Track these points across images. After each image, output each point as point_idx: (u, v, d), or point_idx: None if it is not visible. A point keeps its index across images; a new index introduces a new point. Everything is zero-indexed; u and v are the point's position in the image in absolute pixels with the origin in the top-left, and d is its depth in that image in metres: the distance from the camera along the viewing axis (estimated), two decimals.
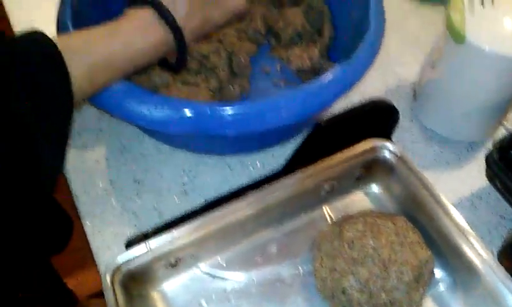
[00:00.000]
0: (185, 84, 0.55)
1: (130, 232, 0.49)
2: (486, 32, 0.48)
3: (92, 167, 0.53)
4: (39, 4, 0.68)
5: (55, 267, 0.84)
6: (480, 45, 0.48)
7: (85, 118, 0.57)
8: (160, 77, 0.54)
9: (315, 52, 0.59)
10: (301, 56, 0.60)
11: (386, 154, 0.48)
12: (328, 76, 0.45)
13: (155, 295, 0.44)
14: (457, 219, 0.45)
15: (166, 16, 0.41)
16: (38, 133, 0.34)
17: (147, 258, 0.42)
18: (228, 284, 0.45)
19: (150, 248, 0.42)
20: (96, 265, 0.49)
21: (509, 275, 0.41)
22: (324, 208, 0.49)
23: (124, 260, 0.41)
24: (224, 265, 0.46)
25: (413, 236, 0.45)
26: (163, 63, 0.46)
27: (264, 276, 0.45)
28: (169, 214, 0.50)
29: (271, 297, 0.44)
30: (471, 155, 0.56)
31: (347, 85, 0.46)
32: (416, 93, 0.59)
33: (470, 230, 0.44)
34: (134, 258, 0.41)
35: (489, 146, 0.56)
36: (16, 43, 0.36)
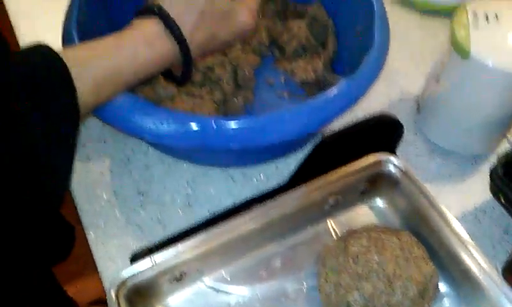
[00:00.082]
0: (190, 96, 0.55)
1: (133, 244, 0.49)
2: (490, 47, 0.48)
3: (96, 179, 0.53)
4: (45, 14, 0.68)
5: (55, 274, 0.83)
6: (485, 60, 0.48)
7: (89, 129, 0.57)
8: (165, 89, 0.54)
9: (319, 64, 0.60)
10: (305, 68, 0.60)
11: (391, 168, 0.48)
12: (332, 91, 0.46)
13: None
14: (460, 234, 0.45)
15: (172, 28, 0.41)
16: (43, 149, 0.34)
17: (152, 273, 0.42)
18: (232, 299, 0.45)
19: (155, 262, 0.42)
20: (97, 273, 0.49)
21: None
22: (328, 221, 0.49)
23: (129, 275, 0.41)
24: (229, 279, 0.46)
25: (418, 251, 0.45)
26: (168, 75, 0.46)
27: (268, 291, 0.45)
28: (173, 226, 0.50)
29: None
30: (475, 169, 0.57)
31: (351, 100, 0.46)
32: (420, 106, 0.59)
33: (474, 244, 0.44)
34: (139, 273, 0.41)
35: (493, 159, 0.56)
36: (22, 56, 0.36)
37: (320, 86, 0.59)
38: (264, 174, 0.54)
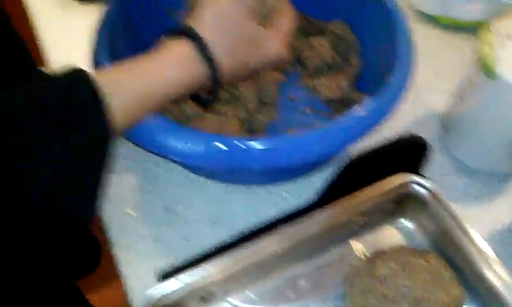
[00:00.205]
0: (215, 114, 0.55)
1: (160, 261, 0.49)
2: None
3: (123, 195, 0.54)
4: (73, 33, 0.70)
5: (77, 283, 0.85)
6: (511, 80, 0.47)
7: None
8: (191, 107, 0.54)
9: (343, 81, 0.60)
10: (329, 86, 0.60)
11: (418, 189, 0.48)
12: (358, 110, 0.45)
13: None
14: (487, 254, 0.44)
15: (204, 52, 0.40)
16: (73, 171, 0.34)
17: (179, 293, 0.42)
18: None
19: (183, 282, 0.42)
20: (119, 282, 0.49)
21: None
22: (354, 242, 0.49)
23: (157, 295, 0.41)
24: (255, 299, 0.46)
25: (446, 273, 0.45)
26: (194, 96, 0.46)
27: None
28: (199, 244, 0.50)
29: None
30: (502, 188, 0.56)
31: (377, 120, 0.46)
32: (446, 124, 0.58)
33: (501, 265, 0.44)
34: (166, 293, 0.42)
35: None
36: (58, 80, 0.36)
37: (344, 103, 0.59)
38: (288, 192, 0.54)
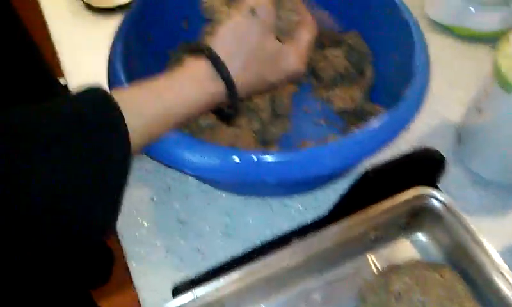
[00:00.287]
0: (230, 126, 0.56)
1: (174, 274, 0.49)
2: None
3: (137, 207, 0.54)
4: (87, 43, 0.71)
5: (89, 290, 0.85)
6: None
7: None
8: (205, 119, 0.55)
9: (357, 93, 0.60)
10: (343, 97, 0.60)
11: (434, 203, 0.47)
12: (374, 124, 0.45)
13: None
14: (502, 267, 0.44)
15: (221, 70, 0.41)
16: (92, 190, 0.35)
17: (194, 306, 0.42)
18: None
19: (197, 296, 0.42)
20: (131, 290, 0.50)
21: None
22: (369, 256, 0.49)
23: None
24: None
25: (460, 288, 0.44)
26: (218, 112, 0.46)
27: None
28: (213, 256, 0.50)
29: None
30: None
31: (394, 134, 0.46)
32: (461, 135, 0.58)
33: None
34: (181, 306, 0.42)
35: None
36: (77, 100, 0.37)
37: (358, 114, 0.59)
38: (302, 205, 0.54)
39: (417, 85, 0.49)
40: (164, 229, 0.53)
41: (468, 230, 0.46)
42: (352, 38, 0.62)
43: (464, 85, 0.66)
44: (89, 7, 0.74)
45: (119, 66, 0.49)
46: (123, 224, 0.53)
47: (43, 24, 0.74)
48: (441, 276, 0.44)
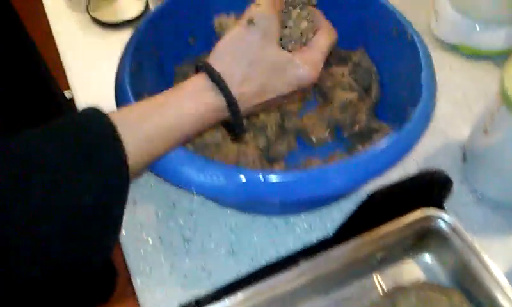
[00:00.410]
0: (235, 142, 0.56)
1: (178, 292, 0.49)
2: None
3: (142, 223, 0.54)
4: (94, 58, 0.71)
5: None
6: None
7: None
8: (211, 135, 0.55)
9: (363, 110, 0.60)
10: (349, 121, 0.60)
11: (440, 224, 0.47)
12: (381, 145, 0.45)
13: None
14: (510, 292, 0.44)
15: (217, 82, 0.40)
16: (92, 213, 0.34)
17: None
18: None
19: None
20: (134, 300, 0.50)
21: None
22: (374, 276, 0.48)
23: None
24: None
25: None
26: (229, 127, 0.46)
27: None
28: (218, 275, 0.50)
29: None
30: None
31: (400, 155, 0.46)
32: (467, 155, 0.58)
33: None
34: None
35: None
36: (72, 121, 0.36)
37: (364, 132, 0.59)
38: (307, 223, 0.54)
39: (424, 105, 0.49)
40: (168, 245, 0.53)
41: (474, 252, 0.46)
42: (359, 55, 0.62)
43: (469, 103, 0.66)
44: (96, 21, 0.75)
45: (127, 83, 0.49)
46: (128, 241, 0.53)
47: (49, 37, 0.75)
48: (448, 298, 0.44)
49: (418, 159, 0.59)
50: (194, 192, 0.43)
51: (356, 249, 0.46)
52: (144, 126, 0.38)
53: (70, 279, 0.37)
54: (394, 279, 0.48)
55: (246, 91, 0.42)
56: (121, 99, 0.49)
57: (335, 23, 0.50)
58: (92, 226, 0.35)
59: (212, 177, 0.43)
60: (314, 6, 0.48)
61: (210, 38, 0.51)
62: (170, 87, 0.43)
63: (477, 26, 0.68)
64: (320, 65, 0.45)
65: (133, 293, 0.51)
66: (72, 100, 0.68)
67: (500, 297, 0.44)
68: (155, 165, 0.44)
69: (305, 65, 0.43)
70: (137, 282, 0.50)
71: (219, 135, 0.56)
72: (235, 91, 0.41)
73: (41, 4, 0.80)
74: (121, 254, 0.54)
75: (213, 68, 0.41)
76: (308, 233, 0.53)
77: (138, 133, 0.38)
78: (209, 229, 0.54)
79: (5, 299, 0.33)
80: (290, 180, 0.43)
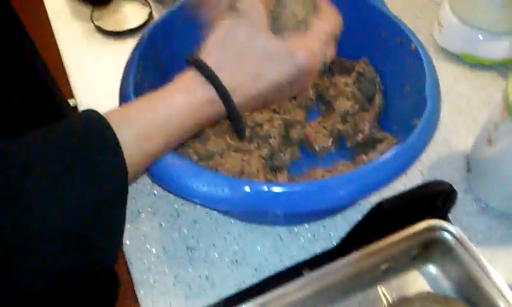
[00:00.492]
0: (239, 152, 0.56)
1: (182, 302, 0.49)
2: None
3: (146, 233, 0.54)
4: (98, 67, 0.71)
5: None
6: None
7: (139, 183, 0.58)
8: (215, 144, 0.55)
9: (367, 120, 0.60)
10: (353, 124, 0.60)
11: (445, 235, 0.47)
12: (386, 156, 0.45)
13: None
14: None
15: (206, 73, 0.40)
16: (92, 215, 0.35)
17: None
18: None
19: None
20: (136, 304, 0.50)
21: None
22: (379, 287, 0.48)
23: None
24: None
25: None
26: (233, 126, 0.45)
27: None
28: (221, 284, 0.50)
29: None
30: None
31: (405, 165, 0.46)
32: (471, 165, 0.58)
33: None
34: None
35: None
36: (68, 124, 0.37)
37: (368, 142, 0.59)
38: (311, 233, 0.54)
39: (428, 115, 0.49)
40: (172, 255, 0.53)
41: (479, 263, 0.46)
42: (362, 65, 0.62)
43: (473, 112, 0.66)
44: (101, 30, 0.75)
45: (131, 92, 0.49)
46: (132, 251, 0.53)
47: (50, 37, 0.75)
48: None
49: (422, 169, 0.60)
50: (198, 204, 0.44)
51: (361, 260, 0.45)
52: (139, 123, 0.38)
53: (73, 288, 0.37)
54: (399, 290, 0.48)
55: (238, 82, 0.41)
56: None
57: None
58: (92, 228, 0.35)
59: (217, 188, 0.43)
60: None
61: None
62: None
63: (481, 36, 0.68)
64: (319, 52, 0.43)
65: (136, 302, 0.51)
66: (76, 108, 0.68)
67: (502, 305, 0.44)
68: (160, 177, 0.44)
69: (299, 51, 0.41)
70: (140, 293, 0.50)
71: (223, 144, 0.56)
72: (227, 82, 0.40)
73: (42, 5, 0.81)
74: (125, 264, 0.54)
75: (202, 61, 0.40)
76: (312, 242, 0.53)
77: (135, 131, 0.38)
78: (212, 238, 0.54)
79: None
80: (295, 191, 0.43)
